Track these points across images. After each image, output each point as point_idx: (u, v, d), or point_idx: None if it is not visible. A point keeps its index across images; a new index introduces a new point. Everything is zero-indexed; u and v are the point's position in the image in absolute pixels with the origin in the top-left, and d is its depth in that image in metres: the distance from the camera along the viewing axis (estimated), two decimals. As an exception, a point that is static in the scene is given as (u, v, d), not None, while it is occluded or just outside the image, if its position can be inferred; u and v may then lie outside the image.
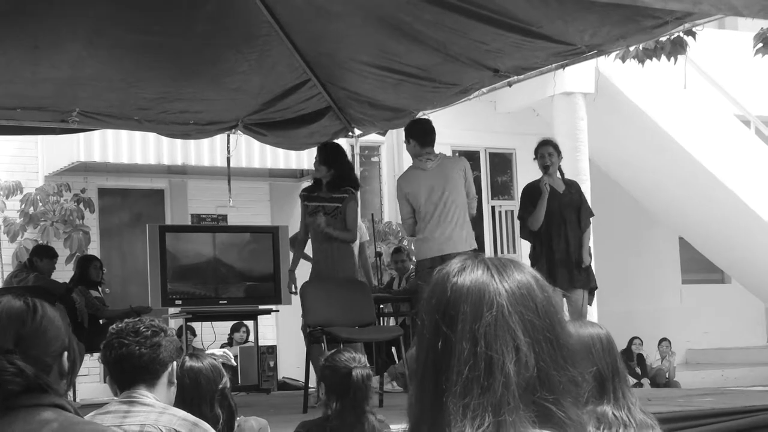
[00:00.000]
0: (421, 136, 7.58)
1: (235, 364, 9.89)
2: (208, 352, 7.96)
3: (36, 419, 2.08)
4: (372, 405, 4.15)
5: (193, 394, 3.64)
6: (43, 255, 9.37)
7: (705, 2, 4.74)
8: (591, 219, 8.04)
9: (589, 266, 7.85)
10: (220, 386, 3.74)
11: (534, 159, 7.96)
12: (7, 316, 2.16)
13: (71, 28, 7.00)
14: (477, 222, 14.75)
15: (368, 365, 4.22)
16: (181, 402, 3.42)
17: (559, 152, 7.96)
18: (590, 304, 8.07)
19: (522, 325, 1.43)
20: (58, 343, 2.19)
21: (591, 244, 8.06)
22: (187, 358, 3.73)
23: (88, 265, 9.38)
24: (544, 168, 7.83)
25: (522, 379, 1.41)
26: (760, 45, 8.18)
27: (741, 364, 14.79)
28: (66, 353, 2.21)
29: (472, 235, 7.44)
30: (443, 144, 14.14)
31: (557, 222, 7.76)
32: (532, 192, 7.87)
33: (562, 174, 8.03)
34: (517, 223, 14.02)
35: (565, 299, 7.40)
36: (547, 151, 7.87)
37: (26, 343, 2.13)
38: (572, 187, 8.08)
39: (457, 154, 14.60)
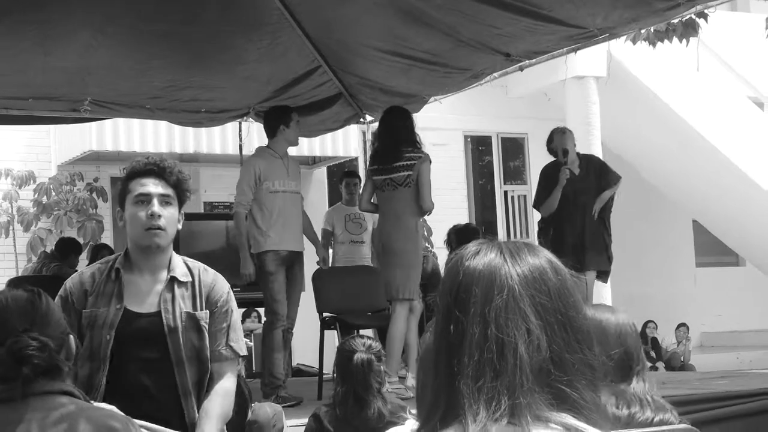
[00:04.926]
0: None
1: None
2: None
3: (50, 405, 2.14)
4: (378, 389, 4.13)
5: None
6: (69, 251, 9.44)
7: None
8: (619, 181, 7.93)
9: (604, 250, 7.75)
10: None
11: (550, 146, 7.86)
12: (16, 303, 2.27)
13: (80, 17, 6.99)
14: (490, 207, 14.75)
15: (381, 351, 4.22)
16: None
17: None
18: (605, 282, 8.02)
19: (533, 308, 1.43)
20: (63, 326, 2.31)
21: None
22: None
23: (98, 254, 9.41)
24: (566, 161, 7.74)
25: (535, 361, 1.40)
26: (773, 26, 8.13)
27: (756, 347, 14.75)
28: (71, 336, 2.33)
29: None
30: (455, 129, 14.17)
31: (570, 208, 7.66)
32: (548, 177, 7.79)
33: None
34: (529, 206, 14.08)
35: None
36: (572, 143, 7.83)
37: (40, 324, 2.24)
38: (590, 163, 8.02)
39: (469, 140, 14.61)
